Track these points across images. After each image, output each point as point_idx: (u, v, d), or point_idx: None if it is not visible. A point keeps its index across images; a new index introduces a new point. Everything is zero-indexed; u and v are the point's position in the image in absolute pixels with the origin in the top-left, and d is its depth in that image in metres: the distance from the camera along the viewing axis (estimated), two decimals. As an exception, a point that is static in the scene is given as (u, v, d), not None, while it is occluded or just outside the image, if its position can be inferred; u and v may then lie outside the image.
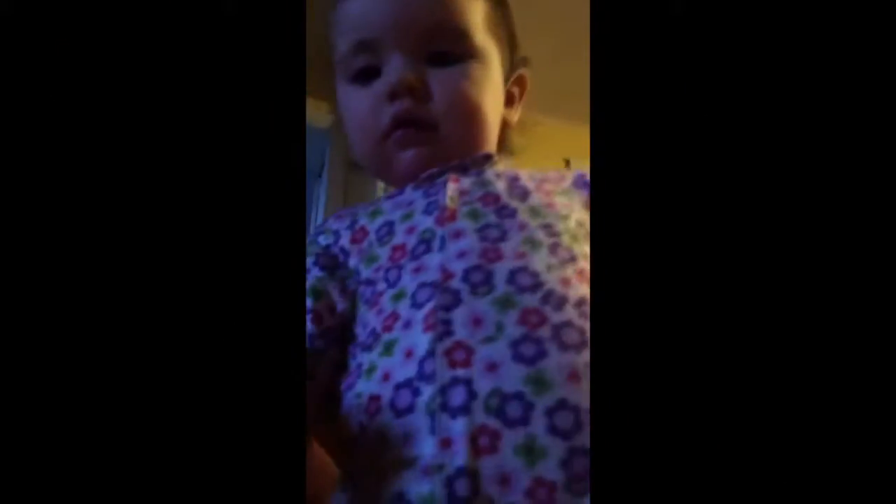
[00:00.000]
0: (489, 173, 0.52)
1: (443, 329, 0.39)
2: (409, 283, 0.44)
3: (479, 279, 0.41)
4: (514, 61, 0.60)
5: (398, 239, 0.47)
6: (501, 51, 0.57)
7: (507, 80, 0.59)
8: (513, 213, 0.46)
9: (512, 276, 0.41)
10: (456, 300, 0.41)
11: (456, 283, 0.41)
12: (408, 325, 0.41)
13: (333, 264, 0.50)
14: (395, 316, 0.42)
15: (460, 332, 0.39)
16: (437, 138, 0.52)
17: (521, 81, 0.62)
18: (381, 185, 1.67)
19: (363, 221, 0.51)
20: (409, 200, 0.51)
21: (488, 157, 0.54)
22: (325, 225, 0.54)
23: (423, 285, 0.43)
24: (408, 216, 0.49)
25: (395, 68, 0.51)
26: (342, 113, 0.57)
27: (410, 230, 0.47)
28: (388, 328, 0.42)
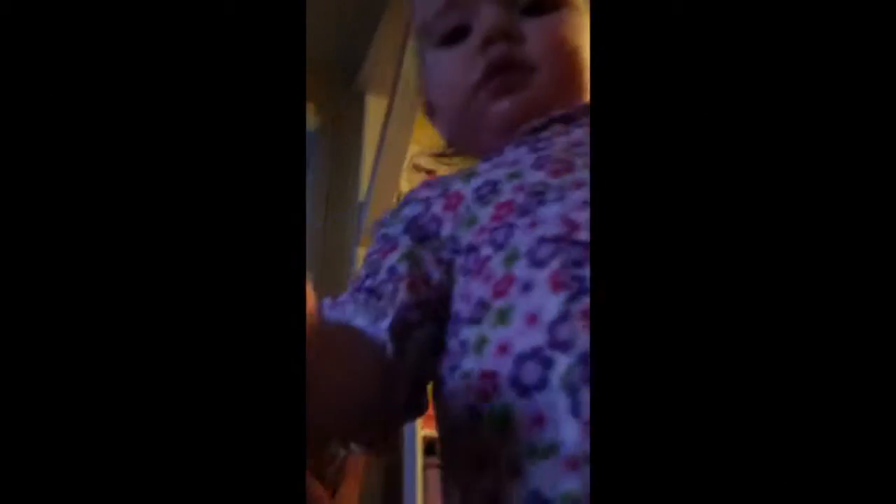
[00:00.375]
0: None
1: (577, 287, 0.33)
2: (523, 240, 0.38)
3: None
4: None
5: (504, 196, 0.42)
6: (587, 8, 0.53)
7: None
8: None
9: None
10: (584, 256, 0.34)
11: (584, 235, 0.35)
12: (527, 287, 0.35)
13: (423, 234, 0.44)
14: (509, 279, 0.37)
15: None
16: (535, 83, 0.47)
17: None
18: (364, 189, 1.69)
19: (457, 186, 0.46)
20: (512, 159, 0.45)
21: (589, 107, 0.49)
22: (411, 195, 0.49)
23: (542, 240, 0.36)
24: (514, 175, 0.43)
25: (487, 16, 0.48)
26: (428, 83, 0.54)
27: (519, 188, 0.41)
28: (500, 293, 0.37)
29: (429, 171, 1.93)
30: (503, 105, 0.47)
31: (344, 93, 1.77)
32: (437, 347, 0.40)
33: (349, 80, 1.79)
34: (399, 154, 1.57)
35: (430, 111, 0.57)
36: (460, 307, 0.40)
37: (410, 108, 1.51)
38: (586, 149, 0.42)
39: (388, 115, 1.57)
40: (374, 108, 1.73)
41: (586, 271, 0.33)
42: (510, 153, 0.46)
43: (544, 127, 0.47)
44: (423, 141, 1.73)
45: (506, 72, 0.47)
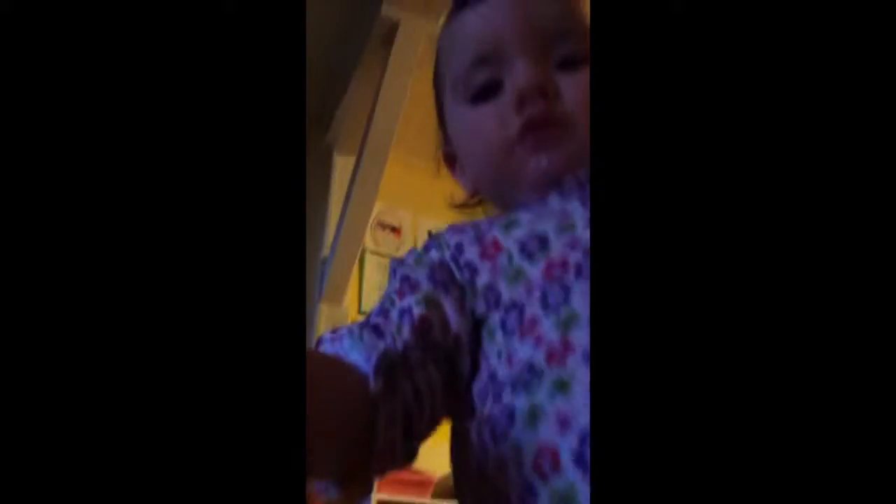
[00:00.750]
0: None
1: None
2: (581, 304, 0.36)
3: None
4: None
5: (556, 253, 0.40)
6: None
7: None
8: None
9: None
10: None
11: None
12: (589, 356, 0.34)
13: (450, 279, 0.43)
14: (567, 345, 0.35)
15: None
16: (573, 138, 0.46)
17: None
18: (328, 244, 1.69)
19: (494, 233, 0.44)
20: (561, 210, 0.44)
21: None
22: (438, 238, 0.47)
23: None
24: (567, 227, 0.42)
25: (521, 72, 0.47)
26: (459, 140, 0.53)
27: (572, 244, 0.40)
28: (557, 360, 0.35)
29: (394, 229, 1.94)
30: (542, 161, 0.46)
31: (313, 149, 1.78)
32: (445, 397, 0.38)
33: (319, 137, 1.80)
34: (365, 211, 1.58)
35: (451, 163, 0.56)
36: (499, 368, 0.38)
37: (378, 166, 1.52)
38: None
39: (355, 171, 1.58)
40: (342, 164, 1.74)
41: None
42: (556, 203, 0.45)
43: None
44: (388, 198, 1.74)
45: (543, 129, 0.46)
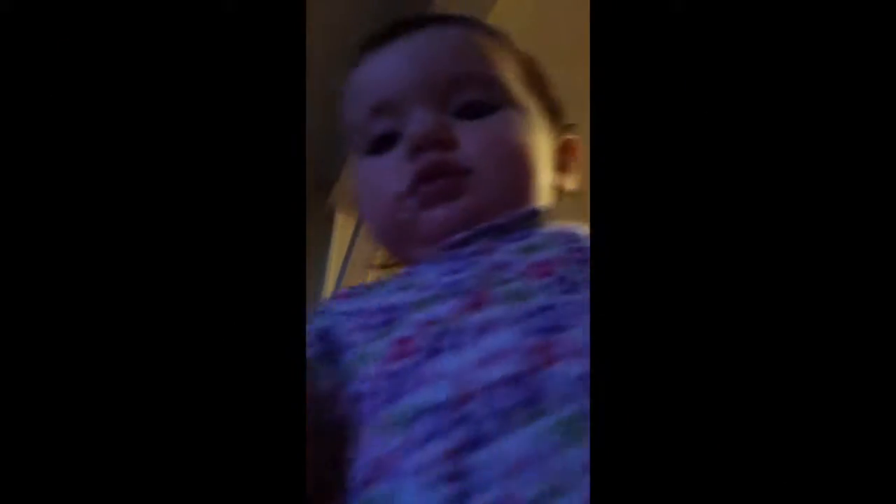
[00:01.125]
0: (539, 235, 0.39)
1: (458, 487, 0.25)
2: (409, 401, 0.30)
3: (521, 398, 0.27)
4: (559, 127, 0.52)
5: (405, 330, 0.34)
6: (542, 110, 0.48)
7: (552, 145, 0.49)
8: (574, 288, 0.33)
9: (575, 387, 0.27)
10: (479, 436, 0.27)
11: (479, 407, 0.28)
12: (396, 474, 0.28)
13: (331, 356, 0.37)
14: (394, 456, 0.29)
15: (490, 489, 0.25)
16: (471, 188, 0.42)
17: (569, 148, 0.52)
18: (334, 271, 1.67)
19: (365, 303, 0.39)
20: (423, 281, 0.38)
21: (535, 213, 0.43)
22: (325, 306, 0.43)
23: (425, 411, 0.29)
24: (420, 304, 0.36)
25: (416, 121, 0.43)
26: (357, 193, 0.48)
27: (424, 323, 0.34)
28: (373, 477, 0.29)
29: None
30: (435, 215, 0.42)
31: (314, 210, 1.79)
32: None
33: (322, 198, 1.82)
34: (363, 271, 1.57)
35: (363, 220, 0.52)
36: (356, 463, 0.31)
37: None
38: (507, 274, 0.36)
39: (354, 233, 1.59)
40: (343, 224, 1.76)
41: (474, 460, 0.26)
42: (423, 271, 0.40)
43: (469, 240, 0.41)
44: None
45: (436, 179, 0.42)
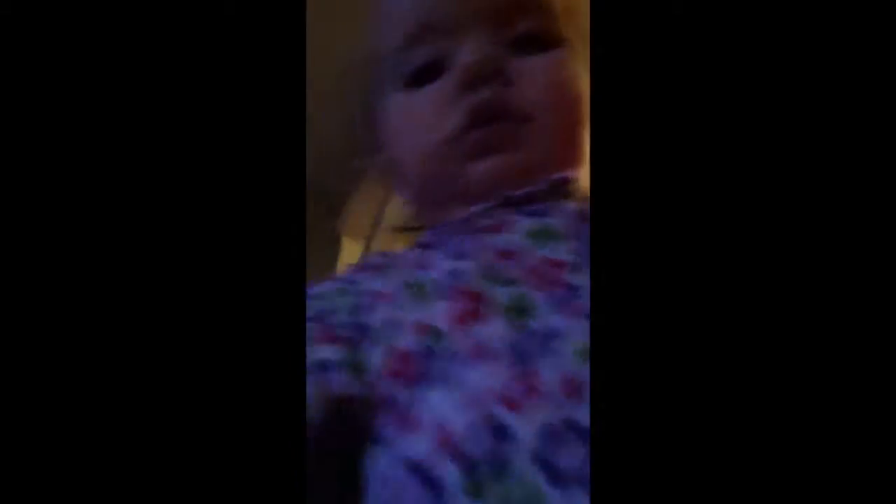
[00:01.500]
0: (559, 215, 0.33)
1: None
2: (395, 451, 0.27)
3: (486, 450, 0.24)
4: None
5: (403, 339, 0.29)
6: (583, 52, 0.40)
7: None
8: (577, 298, 0.28)
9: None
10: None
11: (439, 468, 0.24)
12: None
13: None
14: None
15: None
16: (526, 140, 0.35)
17: None
18: None
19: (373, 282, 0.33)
20: (416, 259, 0.33)
21: (565, 182, 0.36)
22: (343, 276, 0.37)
23: (400, 461, 0.25)
24: (420, 294, 0.30)
25: (470, 50, 0.36)
26: (388, 136, 0.41)
27: (419, 326, 0.29)
28: None
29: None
30: (483, 166, 0.35)
31: (320, 235, 1.80)
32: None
33: (329, 222, 1.83)
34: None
35: (391, 170, 0.43)
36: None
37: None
38: (511, 269, 0.30)
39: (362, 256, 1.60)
40: (349, 247, 1.77)
41: None
42: (430, 255, 0.33)
43: (490, 210, 0.34)
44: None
45: (490, 123, 0.35)
